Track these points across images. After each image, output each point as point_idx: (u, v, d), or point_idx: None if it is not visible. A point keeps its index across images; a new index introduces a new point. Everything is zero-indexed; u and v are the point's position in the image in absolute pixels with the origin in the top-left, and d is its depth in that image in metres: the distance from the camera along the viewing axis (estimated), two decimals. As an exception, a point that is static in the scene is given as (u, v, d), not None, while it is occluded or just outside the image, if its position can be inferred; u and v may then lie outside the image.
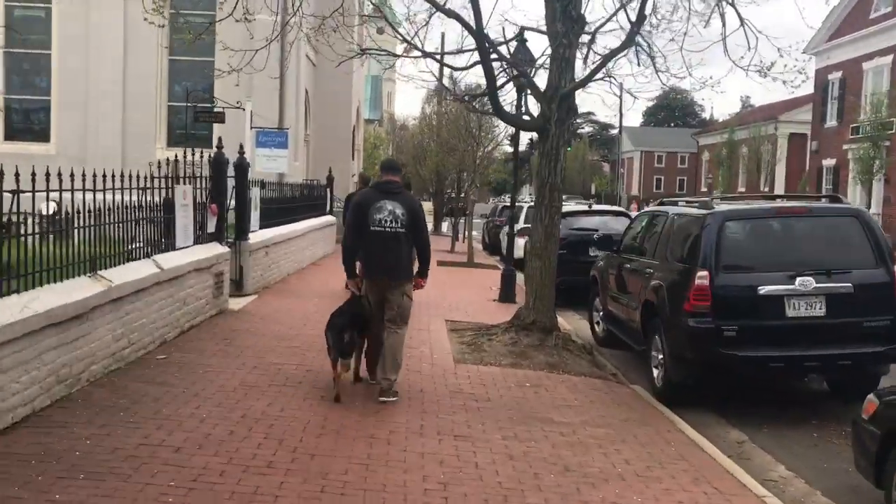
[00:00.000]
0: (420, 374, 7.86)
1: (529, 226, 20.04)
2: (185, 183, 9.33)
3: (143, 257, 8.11)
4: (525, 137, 21.74)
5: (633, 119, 53.91)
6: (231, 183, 11.54)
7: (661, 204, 9.60)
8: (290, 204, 15.94)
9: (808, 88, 45.83)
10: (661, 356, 8.05)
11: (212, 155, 10.71)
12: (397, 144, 72.08)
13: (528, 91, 10.64)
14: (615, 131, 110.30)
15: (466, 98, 10.81)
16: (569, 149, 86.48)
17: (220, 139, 11.06)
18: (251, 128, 17.25)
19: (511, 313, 12.37)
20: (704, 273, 7.24)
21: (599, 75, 9.37)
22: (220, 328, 9.42)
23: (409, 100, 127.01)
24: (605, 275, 10.48)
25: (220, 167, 10.58)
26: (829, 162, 40.56)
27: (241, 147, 11.85)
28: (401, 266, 6.81)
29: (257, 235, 12.57)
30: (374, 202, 6.75)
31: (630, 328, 9.23)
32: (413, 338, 9.52)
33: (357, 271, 6.95)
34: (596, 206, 15.02)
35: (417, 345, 9.23)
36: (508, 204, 34.37)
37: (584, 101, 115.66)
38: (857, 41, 37.81)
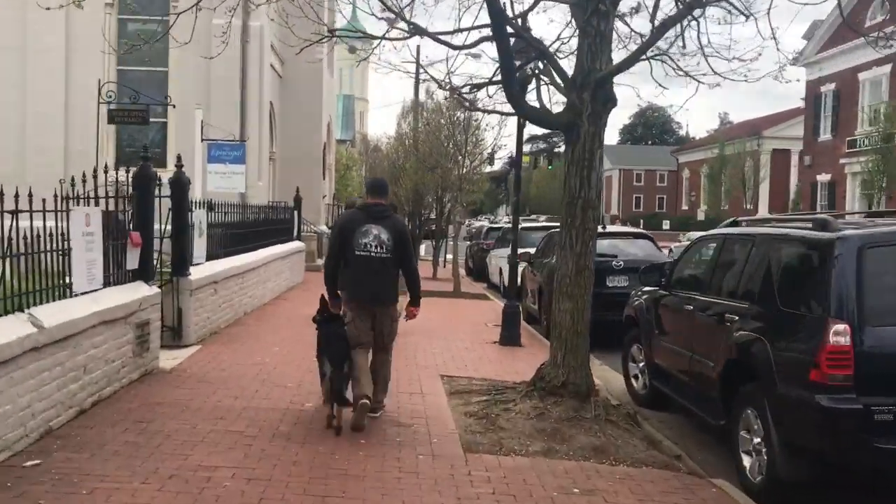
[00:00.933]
0: (418, 478, 5.39)
1: (527, 251, 17.71)
2: (87, 204, 6.84)
3: (15, 311, 5.61)
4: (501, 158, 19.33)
5: (610, 136, 52.28)
6: (168, 204, 9.11)
7: (735, 224, 7.26)
8: (248, 229, 13.47)
9: (794, 102, 44.32)
10: (757, 439, 5.67)
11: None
12: (370, 166, 69.72)
13: (545, 80, 8.29)
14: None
15: (469, 89, 8.41)
16: (549, 167, 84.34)
17: (145, 147, 8.62)
18: (202, 140, 14.74)
19: (516, 360, 10.00)
20: (842, 326, 4.88)
21: (649, 53, 7.00)
22: (139, 401, 6.89)
23: (382, 120, 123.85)
24: (650, 316, 8.11)
25: (146, 184, 8.08)
26: (823, 177, 38.76)
27: (179, 159, 9.36)
28: (385, 292, 6.61)
29: (203, 269, 10.08)
30: (359, 226, 6.50)
31: (698, 393, 6.84)
32: (402, 407, 7.10)
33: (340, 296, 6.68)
34: (612, 228, 12.65)
35: (409, 419, 6.78)
36: (495, 225, 32.11)
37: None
38: (851, 51, 36.08)
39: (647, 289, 8.58)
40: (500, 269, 19.74)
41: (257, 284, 13.32)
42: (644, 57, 7.11)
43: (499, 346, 11.14)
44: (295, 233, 18.37)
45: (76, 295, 6.51)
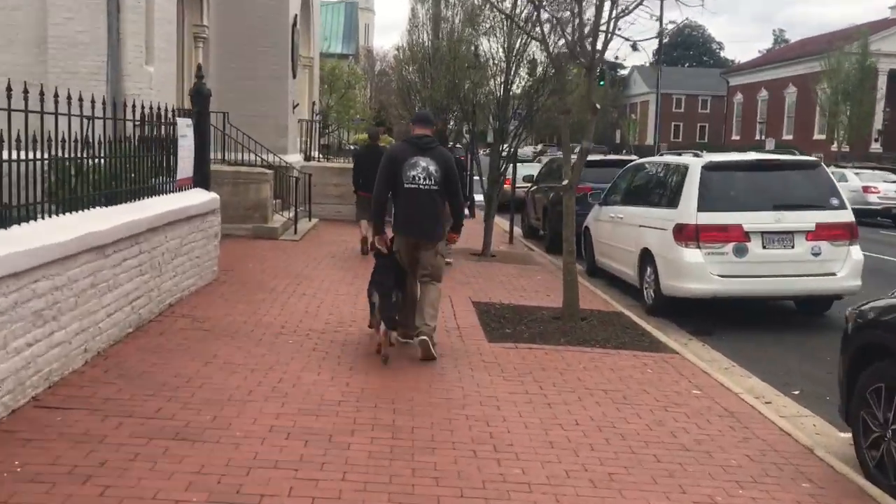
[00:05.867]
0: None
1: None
2: None
3: None
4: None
5: (644, 58, 40.77)
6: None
7: None
8: None
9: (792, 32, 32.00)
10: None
11: None
12: (377, 86, 58.33)
13: None
14: (624, 72, 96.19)
15: None
16: (601, 83, 73.24)
17: None
18: None
19: None
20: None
21: None
22: None
23: (391, 36, 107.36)
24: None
25: None
26: None
27: None
28: (434, 226, 6.48)
29: None
30: (407, 158, 6.39)
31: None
32: None
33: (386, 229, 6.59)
34: None
35: None
36: (595, 157, 21.14)
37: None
38: None
39: None
40: (650, 253, 9.16)
41: None
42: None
43: None
44: (184, 172, 7.69)
45: None
